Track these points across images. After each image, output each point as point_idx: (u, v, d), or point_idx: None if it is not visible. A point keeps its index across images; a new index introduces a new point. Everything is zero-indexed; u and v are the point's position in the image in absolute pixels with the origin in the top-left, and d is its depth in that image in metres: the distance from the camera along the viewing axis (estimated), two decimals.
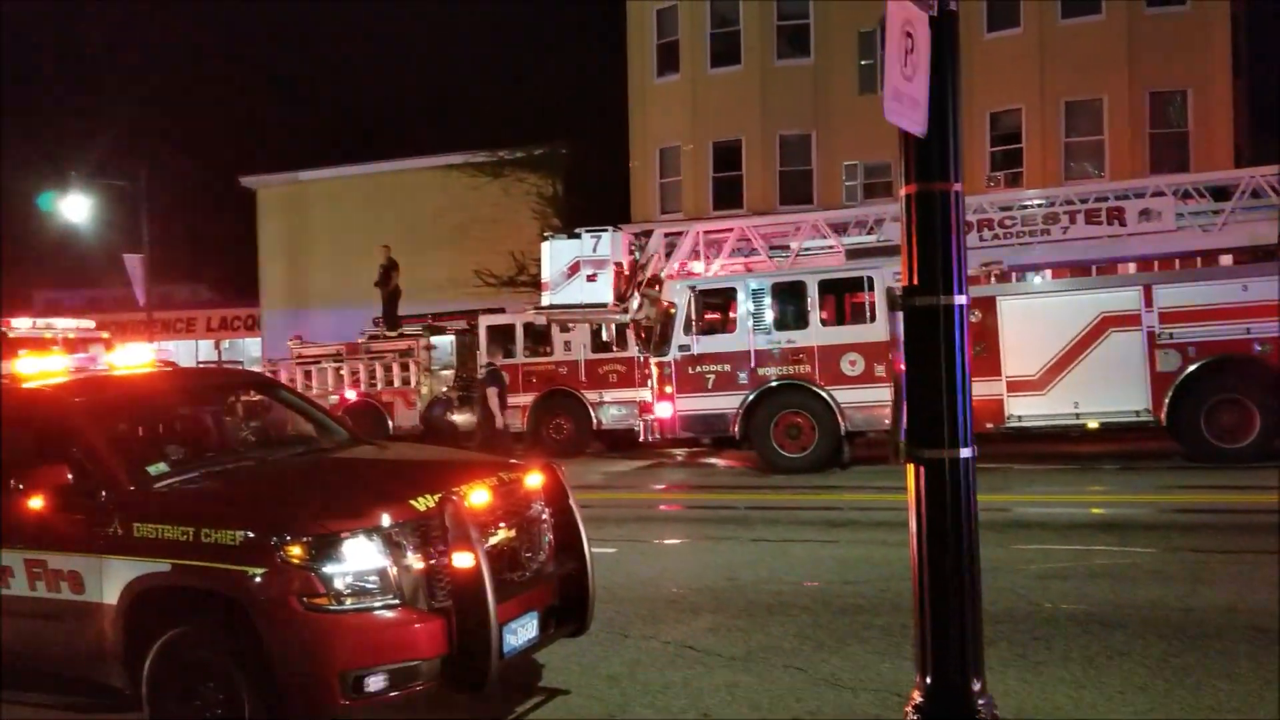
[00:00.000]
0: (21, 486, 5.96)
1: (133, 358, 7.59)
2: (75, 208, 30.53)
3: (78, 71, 70.51)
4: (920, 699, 3.99)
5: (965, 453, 3.85)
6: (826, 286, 16.87)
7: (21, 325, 21.77)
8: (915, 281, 3.83)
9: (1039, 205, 17.94)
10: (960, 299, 3.82)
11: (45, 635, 5.91)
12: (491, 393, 18.77)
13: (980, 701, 3.96)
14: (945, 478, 3.82)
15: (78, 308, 41.29)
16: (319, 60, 56.88)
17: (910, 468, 3.90)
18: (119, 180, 31.10)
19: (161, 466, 6.15)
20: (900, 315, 3.84)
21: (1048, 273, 19.38)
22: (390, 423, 22.53)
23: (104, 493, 5.77)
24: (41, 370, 6.87)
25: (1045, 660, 6.67)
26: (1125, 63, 25.04)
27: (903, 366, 3.83)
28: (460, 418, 22.06)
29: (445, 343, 23.51)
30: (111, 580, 5.57)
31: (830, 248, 18.57)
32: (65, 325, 22.26)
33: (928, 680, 3.92)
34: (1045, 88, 25.82)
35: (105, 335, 22.70)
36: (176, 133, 54.71)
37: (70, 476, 5.83)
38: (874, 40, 27.42)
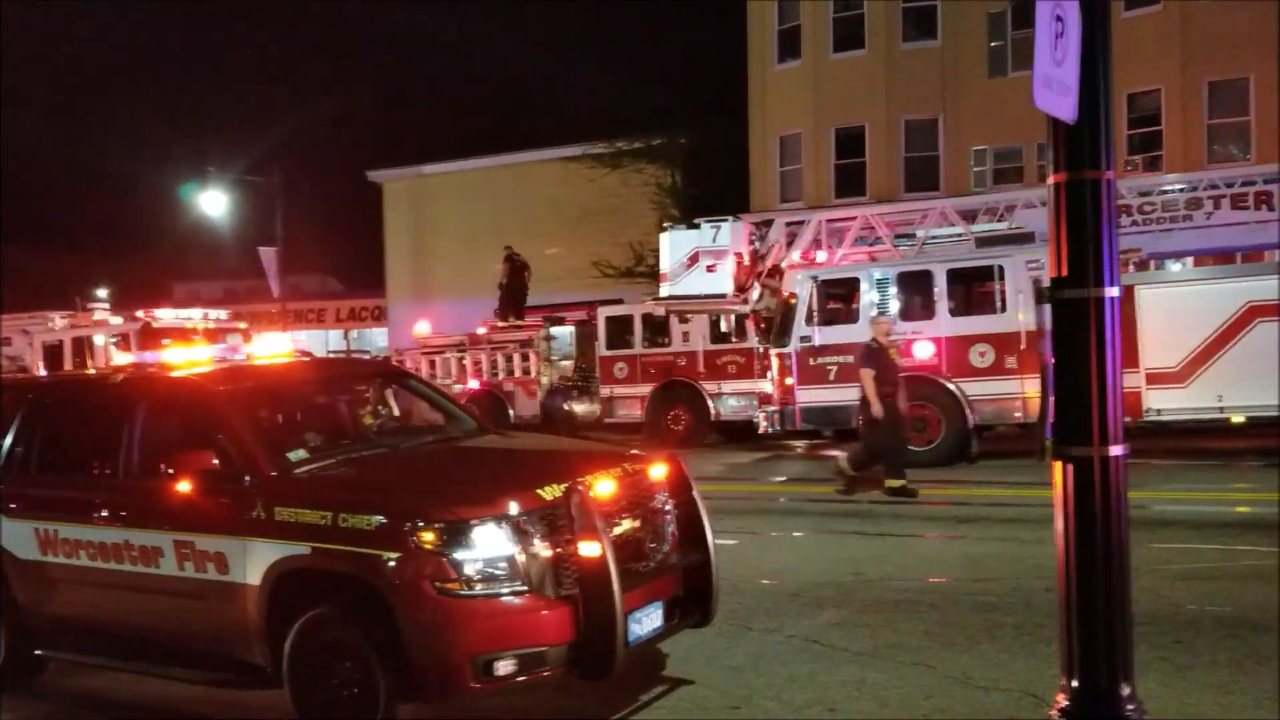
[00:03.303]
0: (170, 471, 6.22)
1: (272, 348, 7.84)
2: (213, 202, 32.09)
3: (219, 74, 73.30)
4: (1066, 702, 3.86)
5: (1116, 450, 3.71)
6: (955, 276, 16.48)
7: (165, 316, 22.76)
8: (1064, 273, 3.69)
9: (1180, 190, 17.28)
10: (1111, 291, 3.67)
11: (192, 613, 6.15)
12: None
13: (1130, 707, 3.82)
14: (1095, 476, 3.68)
15: (214, 298, 42.93)
16: (443, 56, 57.96)
17: (1057, 466, 3.77)
18: (255, 177, 32.35)
19: (301, 453, 6.35)
20: (1047, 308, 3.71)
21: (1189, 260, 18.60)
22: (511, 411, 22.88)
23: (247, 478, 5.98)
24: (188, 359, 7.12)
25: (1189, 664, 6.42)
26: (1274, 38, 23.71)
27: (1050, 361, 3.70)
28: (579, 407, 22.25)
29: (565, 333, 23.75)
30: (255, 562, 5.77)
31: (959, 235, 18.14)
32: (198, 315, 23.15)
33: (1074, 683, 3.79)
34: (1187, 67, 24.72)
35: (243, 326, 23.58)
36: (308, 130, 56.47)
37: (216, 462, 6.06)
38: (1004, 21, 26.63)
